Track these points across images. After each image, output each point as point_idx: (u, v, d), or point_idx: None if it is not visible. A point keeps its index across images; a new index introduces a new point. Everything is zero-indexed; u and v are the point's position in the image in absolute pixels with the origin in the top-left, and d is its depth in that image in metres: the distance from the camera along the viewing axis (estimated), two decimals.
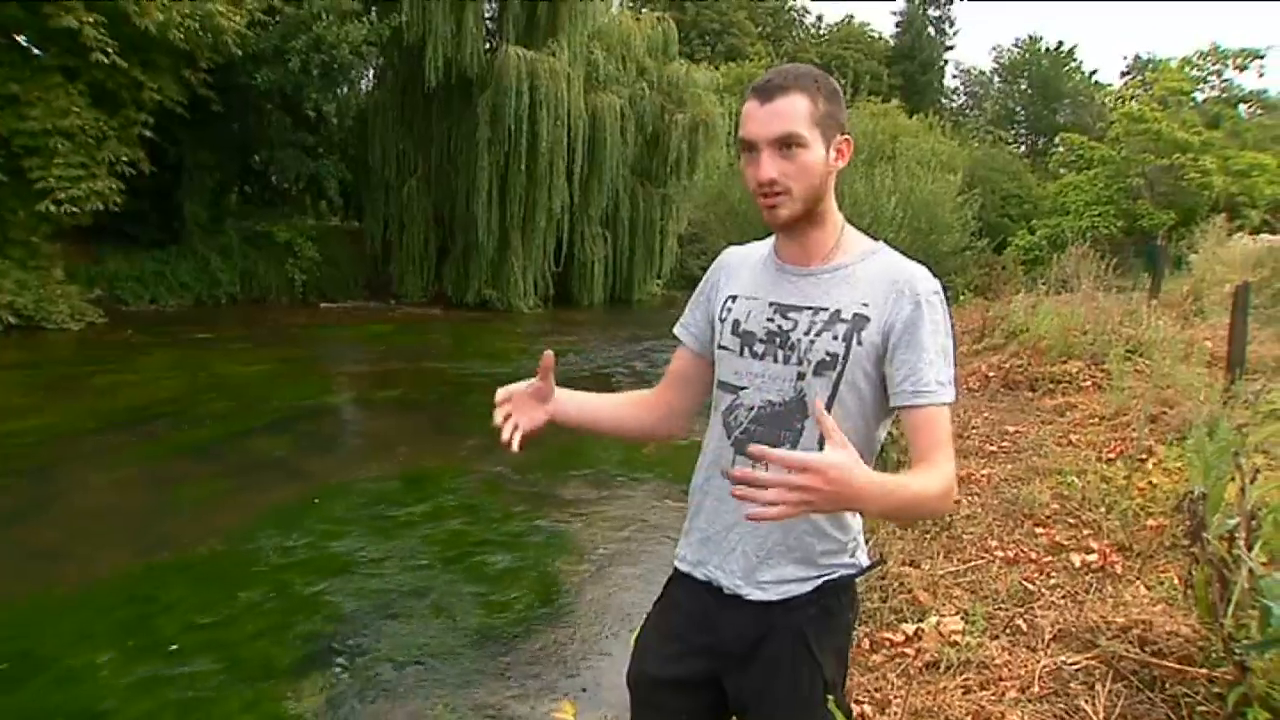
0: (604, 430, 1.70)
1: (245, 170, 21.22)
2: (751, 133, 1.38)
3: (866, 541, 1.52)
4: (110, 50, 12.51)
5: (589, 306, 21.37)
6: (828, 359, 1.37)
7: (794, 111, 1.35)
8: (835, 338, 1.38)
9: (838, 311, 1.39)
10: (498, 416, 1.54)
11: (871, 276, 1.41)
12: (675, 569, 1.58)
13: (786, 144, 1.35)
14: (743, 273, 1.54)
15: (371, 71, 21.27)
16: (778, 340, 1.42)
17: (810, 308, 1.41)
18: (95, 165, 13.16)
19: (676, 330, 1.65)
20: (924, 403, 1.35)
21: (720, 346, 1.50)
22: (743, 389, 1.45)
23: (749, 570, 1.44)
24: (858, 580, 1.49)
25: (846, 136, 1.42)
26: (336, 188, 19.77)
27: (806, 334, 1.39)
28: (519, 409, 1.55)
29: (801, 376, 1.39)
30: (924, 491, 1.27)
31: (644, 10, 24.20)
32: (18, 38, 13.13)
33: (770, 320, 1.44)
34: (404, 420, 9.44)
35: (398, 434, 8.78)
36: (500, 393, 1.56)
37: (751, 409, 1.44)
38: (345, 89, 20.30)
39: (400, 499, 6.41)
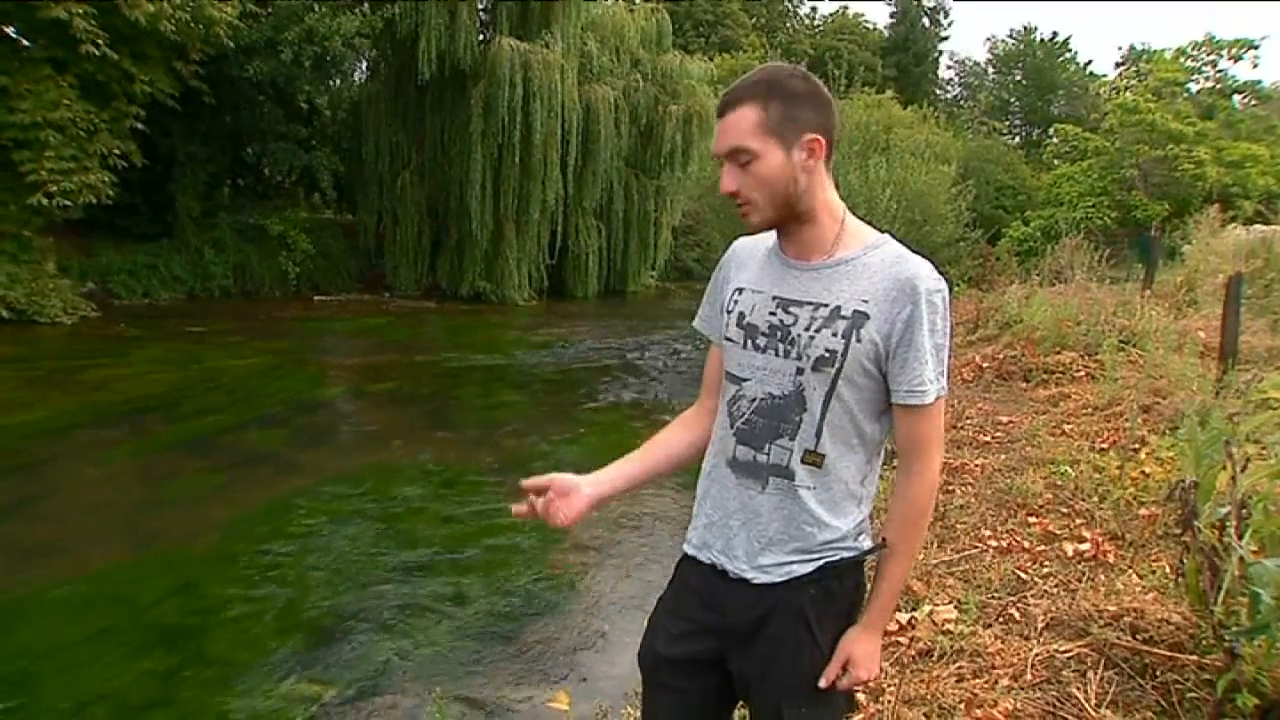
0: (664, 471, 1.65)
1: (238, 163, 21.15)
2: (713, 148, 1.44)
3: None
4: (100, 42, 12.40)
5: (583, 298, 21.35)
6: (827, 355, 1.39)
7: (739, 125, 1.38)
8: (835, 334, 1.39)
9: (838, 308, 1.40)
10: (517, 510, 1.51)
11: (874, 272, 1.41)
12: (684, 552, 1.60)
13: (736, 158, 1.39)
14: (750, 265, 1.55)
15: (364, 64, 21.20)
16: (778, 334, 1.43)
17: (811, 303, 1.42)
18: (87, 158, 13.07)
19: (698, 325, 1.67)
20: (917, 402, 1.40)
21: (726, 338, 1.52)
22: (745, 380, 1.47)
23: (751, 555, 1.46)
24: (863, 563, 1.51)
25: (815, 135, 1.39)
26: (329, 180, 19.69)
27: (807, 329, 1.41)
28: (551, 503, 1.48)
29: (801, 371, 1.41)
30: (908, 548, 1.48)
31: (638, 2, 24.07)
32: (6, 29, 13.02)
33: (772, 314, 1.45)
34: (398, 413, 9.43)
35: (392, 427, 8.77)
36: (526, 484, 1.50)
37: (753, 401, 1.46)
38: (338, 81, 20.24)
39: (394, 492, 6.41)
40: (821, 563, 1.44)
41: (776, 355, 1.43)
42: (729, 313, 1.52)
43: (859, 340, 1.38)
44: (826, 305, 1.41)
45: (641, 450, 1.63)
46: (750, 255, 1.57)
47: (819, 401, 1.40)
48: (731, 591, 1.48)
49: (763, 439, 1.44)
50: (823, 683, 1.43)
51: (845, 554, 1.45)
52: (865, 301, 1.39)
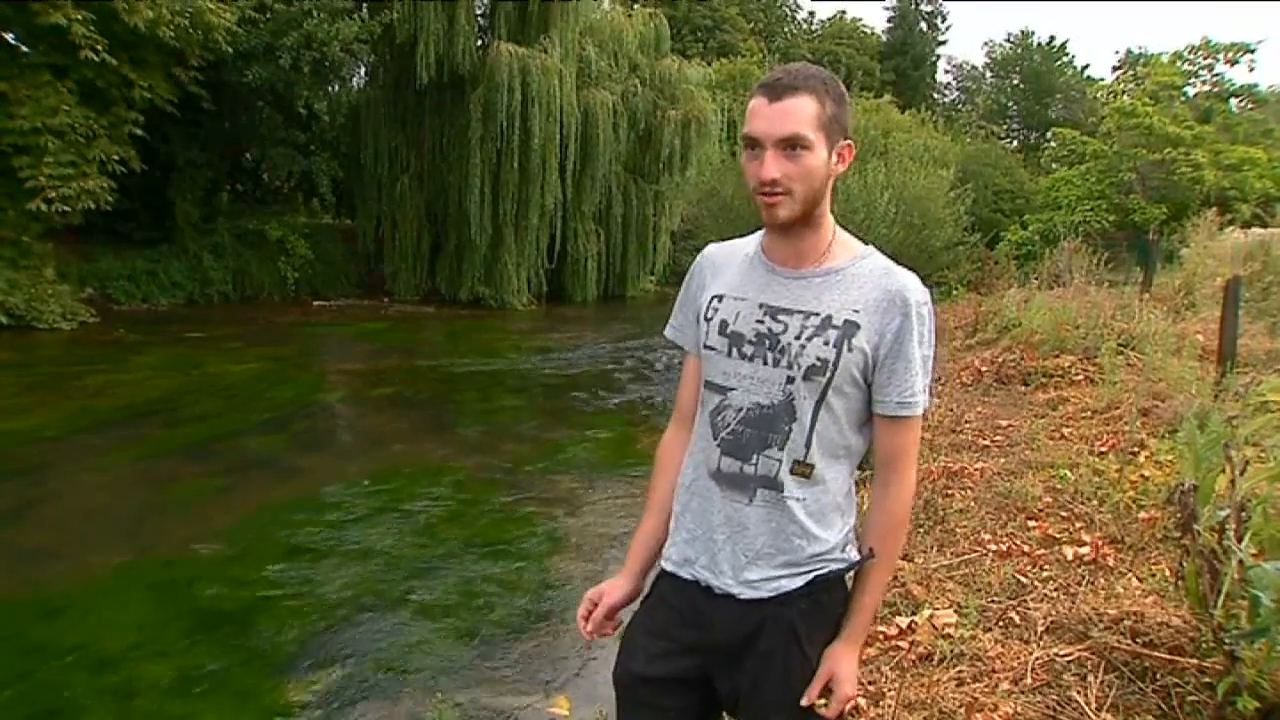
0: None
1: (237, 168, 21.16)
2: (757, 130, 1.36)
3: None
4: (99, 48, 12.43)
5: (582, 303, 21.36)
6: (818, 364, 1.37)
7: (801, 113, 1.34)
8: (826, 343, 1.37)
9: (829, 317, 1.39)
10: (586, 628, 1.64)
11: (863, 282, 1.41)
12: (661, 568, 1.56)
13: (791, 145, 1.34)
14: (727, 271, 1.52)
15: (363, 69, 21.23)
16: (767, 343, 1.41)
17: (801, 311, 1.40)
18: (86, 164, 13.09)
19: (668, 333, 1.64)
20: (908, 414, 1.40)
21: (707, 346, 1.48)
22: (731, 390, 1.44)
23: (737, 569, 1.43)
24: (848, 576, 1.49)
25: (849, 141, 1.41)
26: (329, 185, 19.69)
27: (797, 338, 1.39)
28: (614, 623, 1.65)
29: (791, 380, 1.39)
30: (887, 560, 1.47)
31: (635, 6, 24.13)
32: (6, 35, 13.05)
33: (760, 322, 1.42)
34: (397, 418, 9.43)
35: (391, 432, 8.77)
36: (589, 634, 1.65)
37: (740, 410, 1.43)
38: (337, 86, 20.26)
39: (393, 497, 6.40)
40: (811, 576, 1.42)
41: (765, 364, 1.41)
42: (708, 320, 1.49)
43: (850, 350, 1.37)
44: (817, 314, 1.39)
45: (652, 513, 1.63)
46: (727, 261, 1.55)
47: (809, 411, 1.39)
48: (717, 608, 1.45)
49: (750, 450, 1.42)
50: (804, 701, 1.41)
51: (834, 566, 1.44)
52: (856, 311, 1.38)
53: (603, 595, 1.61)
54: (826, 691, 1.42)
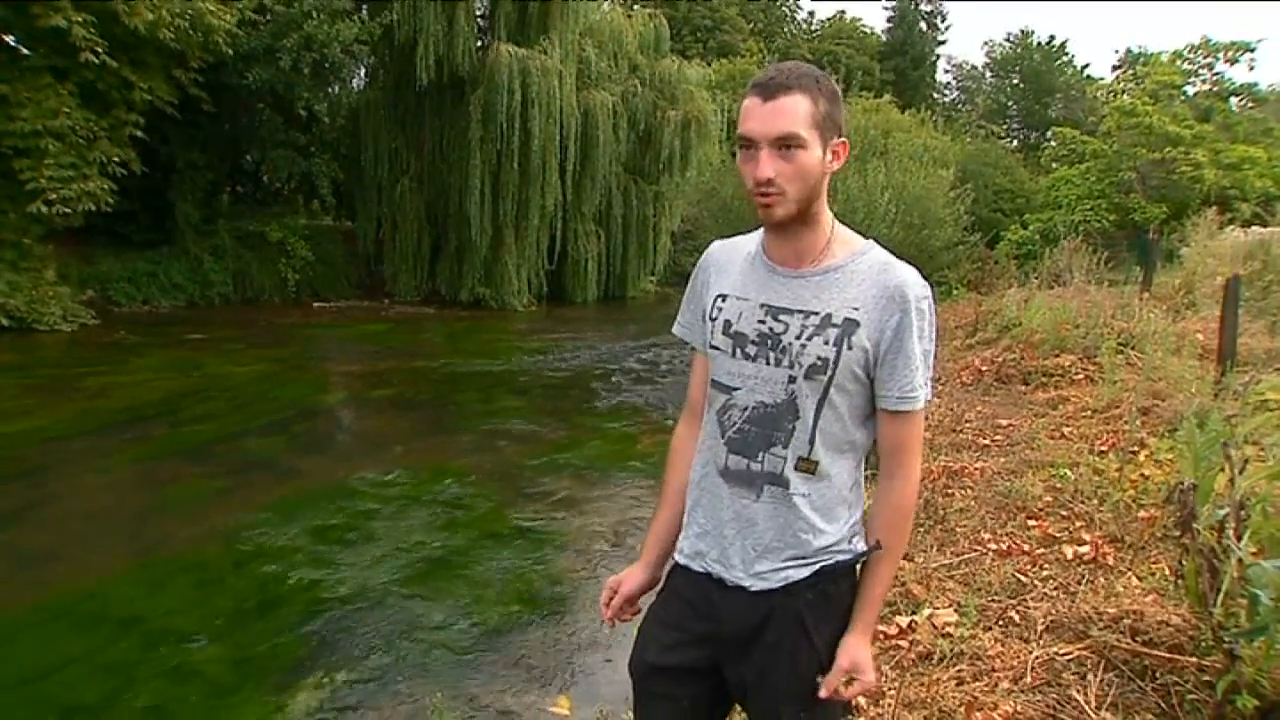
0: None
1: (237, 170, 21.18)
2: (751, 130, 1.38)
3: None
4: (100, 50, 12.44)
5: (583, 304, 21.37)
6: (819, 363, 1.39)
7: (795, 111, 1.35)
8: (826, 342, 1.39)
9: (829, 316, 1.40)
10: (607, 614, 1.70)
11: (862, 279, 1.42)
12: (675, 561, 1.60)
13: (785, 144, 1.35)
14: (731, 270, 1.54)
15: (363, 70, 21.23)
16: (769, 343, 1.43)
17: (801, 311, 1.42)
18: (86, 166, 13.10)
19: (677, 330, 1.66)
20: (908, 408, 1.42)
21: (712, 346, 1.51)
22: (736, 389, 1.46)
23: (748, 563, 1.46)
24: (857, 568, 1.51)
25: (844, 139, 1.42)
26: (329, 187, 19.69)
27: (798, 338, 1.41)
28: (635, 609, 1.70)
29: (793, 380, 1.41)
30: (894, 552, 1.49)
31: (635, 7, 24.17)
32: (6, 38, 13.06)
33: (761, 322, 1.44)
34: (398, 419, 9.44)
35: (392, 433, 8.78)
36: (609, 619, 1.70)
37: (745, 409, 1.45)
38: (337, 88, 20.24)
39: (395, 498, 6.41)
40: (818, 567, 1.44)
41: (767, 364, 1.43)
42: (713, 320, 1.51)
43: (850, 348, 1.38)
44: (817, 313, 1.41)
45: (667, 505, 1.66)
46: (730, 260, 1.56)
47: (811, 409, 1.41)
48: (728, 599, 1.48)
49: (756, 447, 1.44)
50: (824, 693, 1.42)
51: (841, 558, 1.46)
52: (856, 309, 1.40)
53: (621, 583, 1.66)
54: (847, 683, 1.44)
